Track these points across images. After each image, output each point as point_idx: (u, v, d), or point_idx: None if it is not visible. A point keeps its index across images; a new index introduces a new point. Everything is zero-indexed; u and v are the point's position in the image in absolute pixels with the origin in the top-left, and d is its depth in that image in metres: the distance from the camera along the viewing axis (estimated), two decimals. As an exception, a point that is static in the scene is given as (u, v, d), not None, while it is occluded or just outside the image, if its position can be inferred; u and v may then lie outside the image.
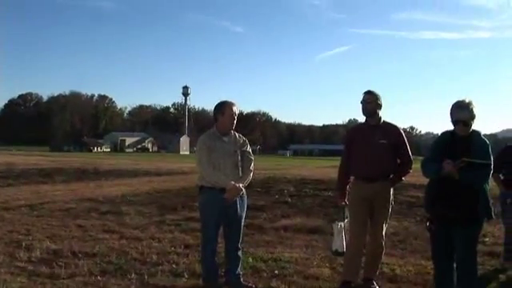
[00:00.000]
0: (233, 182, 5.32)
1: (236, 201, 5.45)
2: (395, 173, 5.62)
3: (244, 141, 5.70)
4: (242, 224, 5.68)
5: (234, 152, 5.51)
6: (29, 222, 9.54)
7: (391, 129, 5.63)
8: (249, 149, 5.72)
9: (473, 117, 4.76)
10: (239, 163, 5.53)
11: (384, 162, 5.50)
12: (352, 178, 5.73)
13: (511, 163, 6.60)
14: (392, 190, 5.67)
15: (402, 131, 5.76)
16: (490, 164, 4.75)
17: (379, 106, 5.56)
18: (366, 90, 5.63)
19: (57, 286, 5.49)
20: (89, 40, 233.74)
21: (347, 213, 5.68)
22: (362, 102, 5.56)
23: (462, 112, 4.74)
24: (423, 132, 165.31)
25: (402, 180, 5.80)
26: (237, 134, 5.68)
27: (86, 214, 10.80)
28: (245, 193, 5.56)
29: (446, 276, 4.92)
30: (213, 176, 5.36)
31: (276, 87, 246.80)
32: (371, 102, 5.52)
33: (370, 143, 5.48)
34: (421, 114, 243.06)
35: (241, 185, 5.41)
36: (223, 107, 5.54)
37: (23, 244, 7.39)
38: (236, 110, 5.58)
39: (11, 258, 6.66)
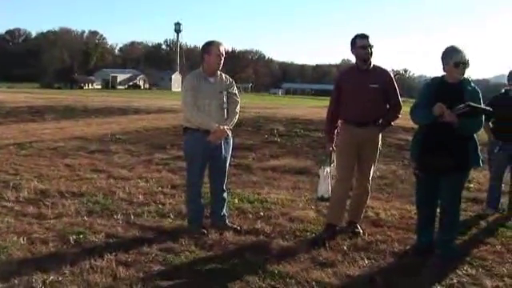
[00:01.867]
0: (217, 125, 5.28)
1: (221, 142, 5.43)
2: (384, 117, 5.58)
3: (231, 82, 5.62)
4: (227, 166, 5.70)
5: (219, 93, 5.44)
6: (17, 161, 9.50)
7: (382, 73, 5.53)
8: (235, 90, 5.65)
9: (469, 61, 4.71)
10: (224, 105, 5.47)
11: (375, 107, 5.44)
12: (340, 121, 5.68)
13: (501, 111, 6.58)
14: (380, 134, 5.65)
15: (392, 75, 5.68)
16: (492, 111, 4.74)
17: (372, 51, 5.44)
18: (359, 33, 5.45)
19: (43, 226, 5.50)
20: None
21: (334, 157, 5.67)
22: (361, 48, 5.36)
23: (462, 54, 4.67)
24: (416, 75, 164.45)
25: (390, 125, 5.77)
26: (223, 75, 5.60)
27: (75, 152, 10.79)
28: (230, 135, 5.53)
29: (428, 222, 5.00)
30: (197, 118, 5.32)
31: (269, 25, 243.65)
32: (366, 47, 5.35)
33: (362, 87, 5.39)
34: (414, 56, 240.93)
35: (226, 127, 5.37)
36: (210, 47, 5.43)
37: (11, 184, 7.38)
38: (223, 50, 5.48)
39: (-2, 197, 6.67)
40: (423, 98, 4.84)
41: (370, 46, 5.38)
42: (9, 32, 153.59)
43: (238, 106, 5.64)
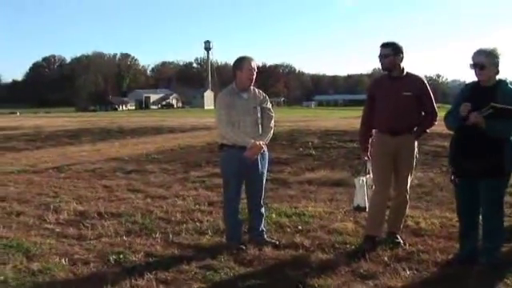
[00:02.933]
0: (253, 140, 5.29)
1: (257, 158, 5.42)
2: (420, 125, 5.50)
3: (264, 97, 5.62)
4: (264, 181, 5.67)
5: (253, 108, 5.44)
6: (56, 184, 9.68)
7: (415, 80, 5.45)
8: (269, 105, 5.64)
9: (492, 63, 4.57)
10: (259, 120, 5.46)
11: (408, 115, 5.36)
12: (375, 131, 5.62)
13: None
14: (416, 142, 5.56)
15: (426, 82, 5.60)
16: None
17: (400, 59, 5.36)
18: (384, 41, 5.44)
19: (84, 247, 5.58)
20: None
21: (369, 167, 5.61)
22: (380, 57, 5.39)
23: (478, 56, 4.59)
24: (450, 79, 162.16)
25: (426, 132, 5.68)
26: (256, 90, 5.60)
27: (112, 173, 10.93)
28: (266, 149, 5.52)
29: (471, 230, 4.86)
30: (232, 134, 5.33)
31: (299, 38, 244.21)
32: (388, 56, 5.32)
33: (394, 96, 5.33)
34: (447, 61, 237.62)
35: (261, 142, 5.37)
36: (241, 63, 5.46)
37: (51, 206, 7.52)
38: (254, 65, 5.49)
39: (40, 220, 6.80)
40: (457, 103, 4.75)
41: (392, 55, 5.31)
42: (45, 59, 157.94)
43: (273, 121, 5.63)
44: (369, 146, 5.64)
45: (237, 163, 5.38)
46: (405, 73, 5.43)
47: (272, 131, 5.62)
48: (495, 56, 4.60)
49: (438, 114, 5.50)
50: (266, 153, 5.57)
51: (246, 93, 5.49)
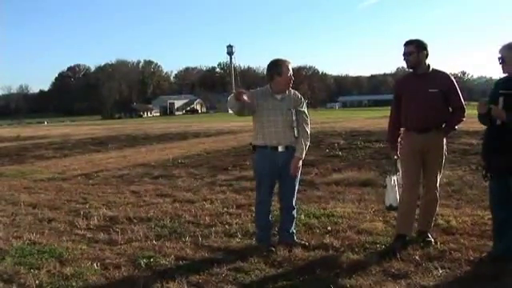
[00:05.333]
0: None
1: (290, 159, 5.36)
2: (448, 122, 5.43)
3: (300, 98, 5.49)
4: (297, 183, 5.62)
5: (287, 110, 5.34)
6: (85, 190, 9.82)
7: (441, 76, 5.39)
8: (304, 108, 5.51)
9: None
10: (294, 123, 5.33)
11: (436, 112, 5.30)
12: (403, 129, 5.58)
13: None
14: (445, 139, 5.50)
15: (453, 78, 5.53)
16: None
17: (424, 55, 5.31)
18: (406, 39, 5.40)
19: (115, 251, 5.64)
20: (128, 8, 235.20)
21: (399, 166, 5.56)
22: (404, 55, 5.35)
23: (500, 50, 4.62)
24: (475, 76, 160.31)
25: (455, 129, 5.61)
26: (292, 91, 5.49)
27: (140, 179, 11.03)
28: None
29: (505, 227, 4.77)
30: (261, 136, 5.36)
31: (321, 40, 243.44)
32: (412, 53, 5.28)
33: (421, 93, 5.28)
34: (473, 58, 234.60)
35: (298, 155, 5.34)
36: (281, 67, 5.34)
37: (81, 212, 7.62)
38: (291, 69, 5.42)
39: (71, 226, 6.90)
40: (490, 97, 4.71)
41: (415, 52, 5.27)
42: (70, 69, 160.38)
43: (309, 127, 5.49)
44: (398, 144, 5.60)
45: (269, 164, 5.36)
46: (430, 69, 5.38)
47: (308, 140, 5.48)
48: None
49: (466, 111, 5.45)
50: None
51: (280, 94, 5.40)
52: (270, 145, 5.33)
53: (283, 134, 5.32)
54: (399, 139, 5.61)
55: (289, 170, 5.39)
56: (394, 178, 5.56)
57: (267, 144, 5.34)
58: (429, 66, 5.37)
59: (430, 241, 5.36)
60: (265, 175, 5.47)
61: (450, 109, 5.41)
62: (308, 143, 5.48)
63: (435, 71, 5.40)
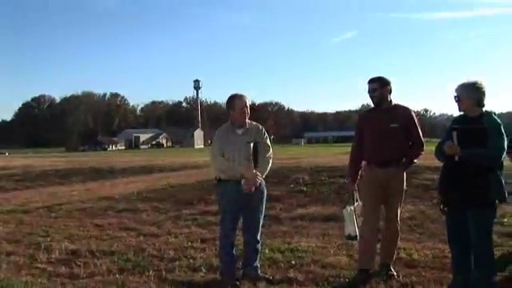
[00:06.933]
0: (243, 168, 5.31)
1: (255, 193, 5.41)
2: (407, 156, 5.57)
3: (260, 130, 5.62)
4: (261, 217, 5.66)
5: (245, 144, 5.45)
6: (47, 223, 9.62)
7: (402, 111, 5.56)
8: (265, 138, 5.62)
9: (469, 95, 4.70)
10: (251, 157, 5.44)
11: (397, 147, 5.44)
12: (364, 163, 5.69)
13: None
14: (405, 173, 5.63)
15: (413, 113, 5.69)
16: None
17: (387, 91, 5.49)
18: (370, 77, 5.57)
19: (76, 285, 5.54)
20: (96, 40, 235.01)
21: (357, 196, 5.66)
22: (369, 92, 5.51)
23: (456, 89, 4.77)
24: (437, 114, 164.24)
25: (414, 163, 5.74)
26: (253, 123, 5.62)
27: (103, 212, 10.87)
28: (264, 185, 5.54)
29: (463, 259, 4.87)
30: (223, 163, 5.39)
31: (286, 77, 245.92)
32: (376, 90, 5.46)
33: (383, 128, 5.43)
34: (435, 95, 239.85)
35: (258, 173, 5.38)
36: (234, 102, 5.50)
37: (42, 245, 7.46)
38: (247, 101, 5.54)
39: (31, 259, 6.75)
40: (446, 134, 4.86)
41: (379, 88, 5.45)
42: (34, 99, 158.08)
43: (270, 153, 5.61)
44: (357, 177, 5.71)
45: (234, 197, 5.40)
46: (393, 104, 5.54)
47: (269, 165, 5.59)
48: (473, 89, 4.72)
49: (426, 147, 5.60)
50: (264, 188, 5.59)
51: (241, 129, 5.52)
52: (233, 178, 5.38)
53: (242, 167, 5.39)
54: (360, 172, 5.71)
55: (254, 203, 5.45)
56: (351, 207, 5.64)
57: (230, 178, 5.39)
58: (391, 101, 5.54)
59: (393, 274, 5.43)
60: (229, 208, 5.50)
61: (410, 143, 5.56)
62: (268, 167, 5.57)
63: (397, 106, 5.57)
